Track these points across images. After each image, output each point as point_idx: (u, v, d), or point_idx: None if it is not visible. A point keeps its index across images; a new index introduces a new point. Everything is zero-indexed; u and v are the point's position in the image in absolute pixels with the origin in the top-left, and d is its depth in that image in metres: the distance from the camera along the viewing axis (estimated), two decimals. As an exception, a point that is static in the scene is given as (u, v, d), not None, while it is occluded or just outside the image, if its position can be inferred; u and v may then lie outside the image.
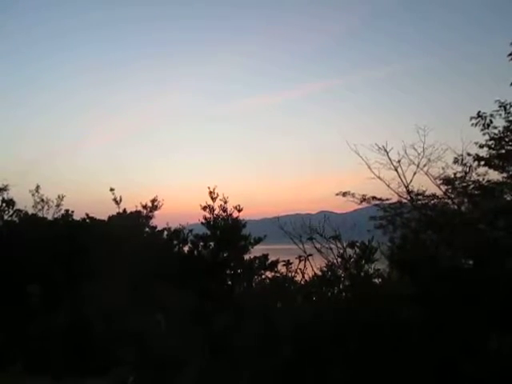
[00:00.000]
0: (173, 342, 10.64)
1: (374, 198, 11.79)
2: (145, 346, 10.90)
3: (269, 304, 13.16)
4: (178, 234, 15.68)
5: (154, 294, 12.30)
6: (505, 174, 10.21)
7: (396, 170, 11.30)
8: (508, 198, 10.56)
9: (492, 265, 10.08)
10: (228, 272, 15.05)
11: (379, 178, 11.44)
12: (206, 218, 15.08)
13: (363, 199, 11.92)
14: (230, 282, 15.06)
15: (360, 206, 12.67)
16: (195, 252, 15.32)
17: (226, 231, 14.79)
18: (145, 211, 16.23)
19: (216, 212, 15.00)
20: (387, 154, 11.33)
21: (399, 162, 11.25)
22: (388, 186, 11.44)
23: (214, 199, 14.99)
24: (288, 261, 11.89)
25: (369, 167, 11.47)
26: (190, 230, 15.71)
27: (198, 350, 10.76)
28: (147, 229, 16.33)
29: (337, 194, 12.09)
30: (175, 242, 15.79)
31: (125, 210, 16.25)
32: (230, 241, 14.70)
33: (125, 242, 14.18)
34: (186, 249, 15.68)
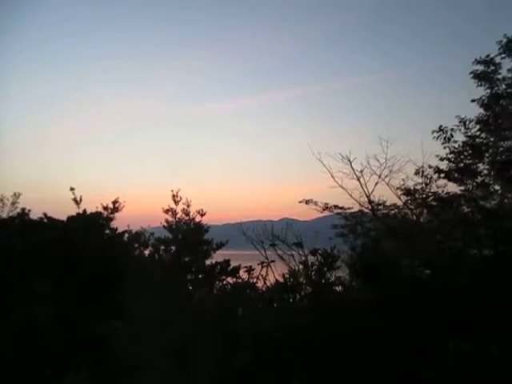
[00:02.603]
0: (131, 349, 10.32)
1: (336, 206, 11.95)
2: (102, 352, 10.53)
3: (230, 310, 13.03)
4: (138, 237, 15.28)
5: (113, 299, 11.92)
6: (463, 187, 10.58)
7: (358, 179, 11.53)
8: (465, 210, 10.93)
9: (449, 274, 10.41)
10: (189, 277, 14.79)
11: (342, 187, 11.64)
12: (168, 222, 14.79)
13: (326, 207, 12.06)
14: (190, 287, 14.81)
15: (322, 214, 12.83)
16: (156, 256, 14.97)
17: (188, 235, 14.55)
18: (105, 212, 15.74)
19: (178, 216, 14.75)
20: (350, 163, 11.55)
21: (362, 171, 11.49)
22: (350, 195, 11.66)
23: (176, 203, 14.74)
24: (250, 267, 11.82)
25: (332, 176, 11.65)
26: (152, 233, 15.35)
27: (157, 356, 10.50)
28: (107, 231, 15.83)
29: (300, 202, 12.20)
30: (136, 245, 15.38)
31: (85, 211, 15.70)
32: (192, 245, 14.47)
33: (83, 243, 13.69)
34: (146, 252, 15.30)
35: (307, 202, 12.25)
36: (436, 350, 9.23)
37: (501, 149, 10.30)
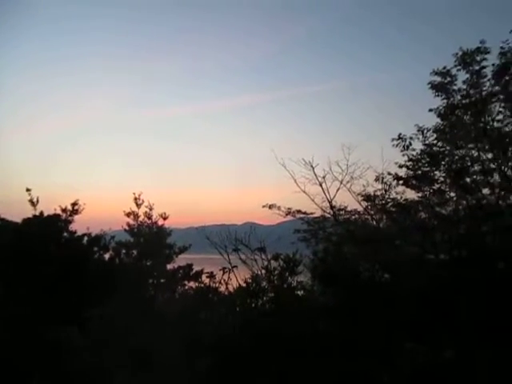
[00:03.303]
0: (89, 355, 10.02)
1: (298, 211, 12.04)
2: (57, 359, 10.17)
3: (192, 314, 12.88)
4: (98, 240, 14.91)
5: (70, 303, 11.55)
6: (420, 194, 10.87)
7: (321, 185, 11.68)
8: (423, 216, 11.24)
9: (407, 278, 10.68)
10: (151, 281, 14.56)
11: (304, 192, 11.76)
12: (129, 225, 14.53)
13: (288, 212, 12.13)
14: (152, 292, 14.59)
15: (285, 219, 12.91)
16: (117, 260, 14.67)
17: (150, 239, 14.35)
18: (64, 215, 15.26)
19: (140, 219, 14.53)
20: (313, 169, 11.69)
21: (324, 177, 11.65)
22: (312, 200, 11.78)
23: (138, 205, 14.51)
24: (211, 273, 11.73)
25: (295, 181, 11.75)
26: (112, 237, 15.02)
27: (117, 361, 10.24)
28: (65, 234, 15.35)
29: (263, 206, 12.21)
30: (96, 249, 14.99)
31: (42, 213, 15.17)
32: (154, 249, 14.26)
33: (39, 246, 13.21)
34: (107, 256, 14.95)
35: (270, 206, 12.29)
36: (394, 352, 9.43)
37: (456, 157, 10.67)
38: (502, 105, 10.13)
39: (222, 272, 11.78)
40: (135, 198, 14.61)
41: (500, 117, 10.20)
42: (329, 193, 11.74)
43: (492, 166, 10.24)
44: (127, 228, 14.59)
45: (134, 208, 14.62)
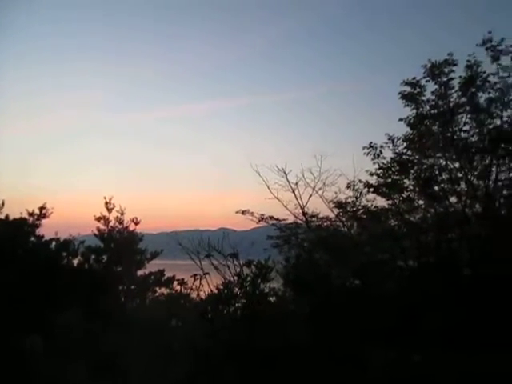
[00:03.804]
0: (53, 365, 9.71)
1: (271, 217, 12.08)
2: (19, 370, 9.81)
3: (163, 321, 12.71)
4: (67, 246, 14.52)
5: (35, 311, 11.19)
6: (390, 201, 11.08)
7: (293, 191, 11.77)
8: (392, 223, 11.46)
9: (377, 284, 10.84)
10: (121, 288, 14.28)
11: (277, 198, 11.81)
12: (99, 230, 14.23)
13: (261, 218, 12.16)
14: (122, 299, 14.31)
15: (259, 225, 12.91)
16: (86, 265, 14.32)
17: (120, 244, 14.07)
18: (31, 219, 14.82)
19: (111, 224, 14.24)
20: (286, 175, 11.76)
21: (297, 184, 11.74)
22: (285, 206, 11.85)
23: (109, 210, 14.22)
24: (182, 279, 11.62)
25: (268, 187, 11.79)
26: (82, 242, 14.66)
27: (82, 372, 9.97)
28: (32, 238, 14.91)
29: (236, 212, 12.19)
30: (64, 254, 14.60)
31: (7, 217, 14.69)
32: (125, 255, 14.00)
33: (4, 251, 12.78)
34: (75, 262, 14.58)
35: (244, 212, 12.29)
36: (365, 358, 9.53)
37: (424, 166, 10.94)
38: (469, 116, 10.46)
39: (193, 278, 11.68)
40: (106, 203, 14.32)
41: (466, 127, 10.54)
42: (301, 199, 11.85)
43: (459, 175, 10.55)
44: (97, 233, 14.27)
45: (105, 212, 14.32)
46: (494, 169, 10.17)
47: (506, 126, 10.07)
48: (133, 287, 14.17)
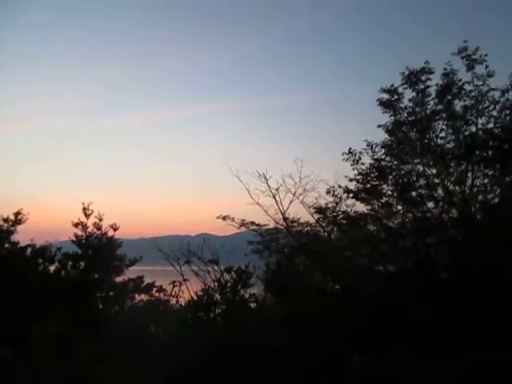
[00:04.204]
0: (25, 378, 9.46)
1: (252, 223, 12.04)
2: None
3: (142, 328, 12.55)
4: (43, 252, 14.25)
5: (8, 321, 10.90)
6: (369, 207, 11.17)
7: (274, 197, 11.75)
8: (371, 229, 11.56)
9: (356, 290, 10.90)
10: (99, 294, 14.05)
11: (258, 203, 11.77)
12: (77, 236, 13.99)
13: (242, 224, 12.10)
14: (100, 306, 14.08)
15: (239, 230, 12.85)
16: (63, 272, 14.06)
17: (99, 251, 13.86)
18: (6, 225, 14.49)
19: (89, 230, 14.02)
20: (267, 181, 11.75)
21: (277, 189, 11.72)
22: (266, 212, 11.82)
23: (87, 216, 14.00)
24: (161, 286, 11.51)
25: (249, 193, 11.75)
26: (59, 248, 14.40)
27: (59, 382, 9.75)
28: (7, 244, 14.57)
29: (217, 218, 12.11)
30: (40, 261, 14.31)
31: (-20, 223, 14.33)
32: (103, 261, 13.79)
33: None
34: (52, 268, 14.30)
35: (224, 217, 12.22)
36: (343, 363, 9.57)
37: (402, 172, 11.06)
38: (445, 123, 10.63)
39: (172, 285, 11.60)
40: (84, 208, 14.10)
41: (443, 134, 10.71)
42: (282, 205, 11.84)
43: (436, 180, 10.71)
44: (75, 239, 14.04)
45: (83, 218, 14.11)
46: (469, 175, 10.35)
47: (480, 133, 10.26)
48: (111, 294, 13.97)
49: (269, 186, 11.77)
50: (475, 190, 10.45)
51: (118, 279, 14.17)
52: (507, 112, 10.16)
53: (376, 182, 10.91)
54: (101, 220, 14.11)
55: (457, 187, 10.56)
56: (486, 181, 10.47)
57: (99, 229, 14.10)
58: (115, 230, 14.24)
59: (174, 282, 10.68)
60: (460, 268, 9.90)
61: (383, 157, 11.05)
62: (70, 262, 13.93)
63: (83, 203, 14.14)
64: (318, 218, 11.71)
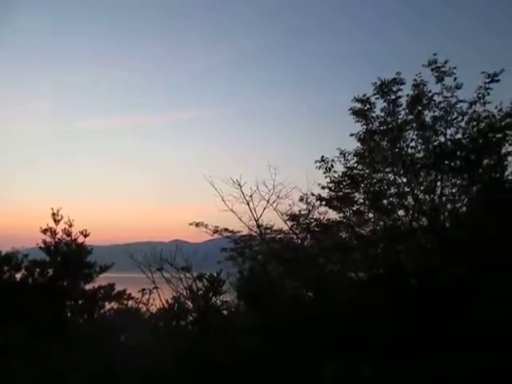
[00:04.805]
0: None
1: (226, 229, 12.00)
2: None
3: (111, 337, 12.28)
4: (9, 259, 13.77)
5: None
6: (341, 214, 11.30)
7: (248, 204, 11.75)
8: (343, 236, 11.68)
9: (328, 296, 10.98)
10: (68, 303, 13.66)
11: (232, 210, 11.74)
12: (45, 242, 13.59)
13: (216, 230, 12.06)
14: (69, 314, 13.70)
15: (213, 237, 12.79)
16: (30, 280, 13.62)
17: (68, 257, 13.50)
18: (-31, 231, 13.98)
19: (58, 236, 13.63)
20: (240, 188, 11.74)
21: (251, 196, 11.73)
22: (240, 218, 11.80)
23: (57, 222, 13.62)
24: (129, 294, 11.31)
25: (222, 199, 11.71)
26: (26, 255, 13.95)
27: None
28: (-30, 252, 14.05)
29: (190, 224, 12.02)
30: (6, 268, 13.83)
31: None
32: (73, 268, 13.44)
33: None
34: (18, 276, 13.84)
35: (197, 224, 12.14)
36: (315, 369, 9.58)
37: (374, 180, 11.21)
38: (415, 133, 10.86)
39: (147, 291, 11.42)
40: (53, 214, 13.71)
41: (413, 144, 10.93)
42: (256, 212, 11.85)
43: (406, 189, 10.90)
44: (43, 246, 13.63)
45: (52, 224, 13.71)
46: (438, 184, 10.57)
47: (449, 143, 10.52)
48: (80, 302, 13.60)
49: (242, 193, 11.77)
50: (444, 198, 10.68)
51: (88, 287, 13.80)
52: (474, 123, 10.43)
53: (348, 190, 11.05)
54: (71, 226, 13.74)
55: (426, 196, 10.78)
56: (454, 190, 10.71)
57: (69, 235, 13.73)
58: (86, 236, 13.89)
59: (143, 289, 10.49)
60: (429, 275, 10.09)
61: (355, 165, 11.20)
62: (38, 270, 13.50)
63: (52, 209, 13.76)
64: (292, 225, 11.77)
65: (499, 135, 10.17)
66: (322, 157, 10.99)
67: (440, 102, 10.60)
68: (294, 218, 11.54)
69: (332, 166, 11.02)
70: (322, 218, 11.40)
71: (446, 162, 10.29)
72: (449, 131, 10.60)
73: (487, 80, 10.17)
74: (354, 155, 11.18)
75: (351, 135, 11.25)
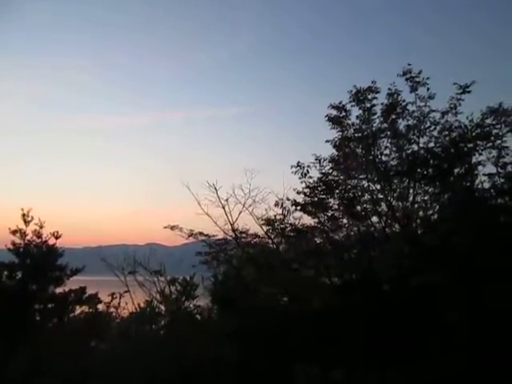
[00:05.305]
0: None
1: (201, 233, 11.90)
2: None
3: (82, 342, 12.04)
4: (-25, 261, 13.34)
5: None
6: (316, 220, 11.35)
7: (223, 207, 11.70)
8: (318, 241, 11.74)
9: (302, 301, 11.01)
10: (37, 306, 13.30)
11: (207, 214, 11.68)
12: (14, 244, 13.21)
13: (191, 234, 11.95)
14: (38, 318, 13.33)
15: (188, 241, 12.67)
16: (-3, 282, 13.21)
17: (38, 260, 13.16)
18: None
19: (28, 237, 13.27)
20: (216, 191, 11.69)
21: (227, 200, 11.68)
22: (215, 222, 11.73)
23: (27, 223, 13.26)
24: (98, 298, 11.11)
25: (198, 203, 11.64)
26: (-7, 257, 13.55)
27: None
28: None
29: (165, 227, 11.88)
30: (-29, 271, 13.39)
31: None
32: (43, 271, 13.10)
33: None
34: (-17, 279, 13.40)
35: (172, 227, 11.99)
36: (289, 376, 9.60)
37: (348, 186, 11.27)
38: (389, 140, 11.02)
39: (118, 295, 11.25)
40: (23, 215, 13.34)
41: (387, 151, 11.09)
42: (231, 216, 11.80)
43: (380, 196, 11.04)
44: (12, 247, 13.24)
45: (22, 225, 13.34)
46: (411, 191, 10.74)
47: (422, 151, 10.70)
48: (50, 306, 13.26)
49: (218, 197, 11.73)
50: (416, 205, 10.85)
51: (59, 290, 13.47)
52: (446, 133, 10.65)
53: (323, 196, 11.11)
54: (41, 227, 13.40)
55: (399, 203, 10.93)
56: (426, 197, 10.90)
57: (39, 237, 13.38)
58: (57, 238, 13.56)
59: (113, 293, 10.31)
60: (401, 281, 10.23)
61: (330, 171, 11.28)
62: (6, 272, 13.10)
63: (22, 209, 13.40)
64: (267, 230, 11.74)
65: (470, 145, 10.40)
66: (298, 162, 11.06)
67: (413, 112, 10.79)
68: (269, 222, 11.52)
69: (308, 171, 11.08)
70: (297, 223, 11.41)
71: (419, 169, 10.46)
72: (422, 140, 10.79)
73: (459, 91, 10.41)
74: (329, 161, 11.26)
75: (327, 141, 11.35)
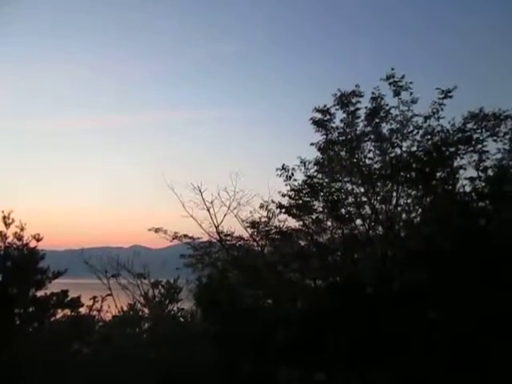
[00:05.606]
0: None
1: (185, 236, 11.86)
2: None
3: (64, 346, 11.85)
4: (-47, 264, 13.02)
5: None
6: (301, 222, 11.41)
7: (208, 210, 11.68)
8: (302, 244, 11.79)
9: (286, 304, 11.03)
10: (17, 310, 13.04)
11: (192, 216, 11.64)
12: (-6, 247, 12.94)
13: (175, 236, 11.90)
14: (18, 322, 13.07)
15: (173, 243, 12.62)
16: (-24, 286, 12.92)
17: (19, 263, 12.90)
18: None
19: (9, 240, 13.01)
20: (201, 193, 11.67)
21: (212, 202, 11.67)
22: (200, 225, 11.71)
23: (7, 225, 13.00)
24: (79, 301, 10.97)
25: (183, 205, 11.61)
26: (-28, 260, 13.24)
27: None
28: None
29: (149, 230, 11.81)
30: (-50, 274, 13.06)
31: None
32: (24, 274, 12.86)
33: None
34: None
35: (157, 230, 11.94)
36: (270, 378, 9.59)
37: (333, 189, 11.39)
38: (373, 144, 11.15)
39: (99, 298, 11.12)
40: (4, 217, 13.07)
41: (371, 155, 11.21)
42: (216, 218, 11.79)
43: (363, 199, 11.15)
44: (-8, 250, 12.96)
45: (2, 228, 13.07)
46: (394, 194, 10.87)
47: (405, 155, 10.84)
48: (31, 309, 13.01)
49: (203, 199, 11.70)
50: (399, 208, 10.98)
51: (40, 293, 13.23)
52: (429, 137, 10.81)
53: (307, 199, 11.18)
54: (22, 230, 13.14)
55: (383, 206, 11.05)
56: (409, 201, 11.04)
57: (20, 239, 13.12)
58: (38, 240, 13.28)
59: (94, 297, 10.17)
60: (384, 283, 10.33)
61: (315, 174, 11.35)
62: (-16, 275, 12.84)
63: (3, 211, 13.13)
64: (252, 233, 11.76)
65: (452, 149, 10.57)
66: (283, 165, 11.11)
67: (397, 116, 10.92)
68: (254, 225, 11.54)
69: (292, 174, 11.15)
70: (281, 225, 11.46)
71: (402, 173, 10.59)
72: (405, 144, 10.93)
73: (441, 96, 10.58)
74: (314, 164, 11.33)
75: (311, 144, 11.42)
